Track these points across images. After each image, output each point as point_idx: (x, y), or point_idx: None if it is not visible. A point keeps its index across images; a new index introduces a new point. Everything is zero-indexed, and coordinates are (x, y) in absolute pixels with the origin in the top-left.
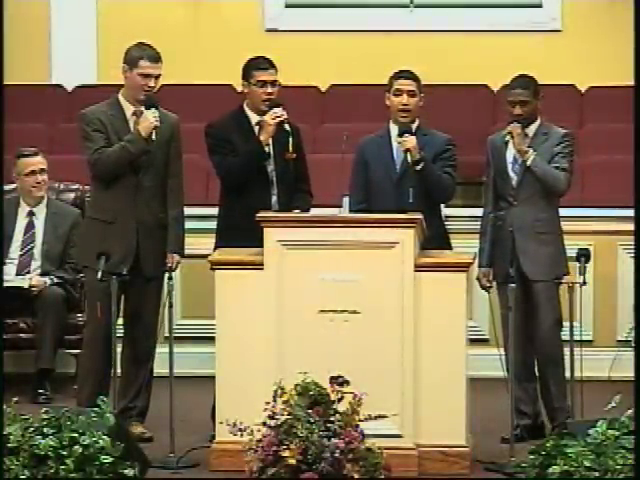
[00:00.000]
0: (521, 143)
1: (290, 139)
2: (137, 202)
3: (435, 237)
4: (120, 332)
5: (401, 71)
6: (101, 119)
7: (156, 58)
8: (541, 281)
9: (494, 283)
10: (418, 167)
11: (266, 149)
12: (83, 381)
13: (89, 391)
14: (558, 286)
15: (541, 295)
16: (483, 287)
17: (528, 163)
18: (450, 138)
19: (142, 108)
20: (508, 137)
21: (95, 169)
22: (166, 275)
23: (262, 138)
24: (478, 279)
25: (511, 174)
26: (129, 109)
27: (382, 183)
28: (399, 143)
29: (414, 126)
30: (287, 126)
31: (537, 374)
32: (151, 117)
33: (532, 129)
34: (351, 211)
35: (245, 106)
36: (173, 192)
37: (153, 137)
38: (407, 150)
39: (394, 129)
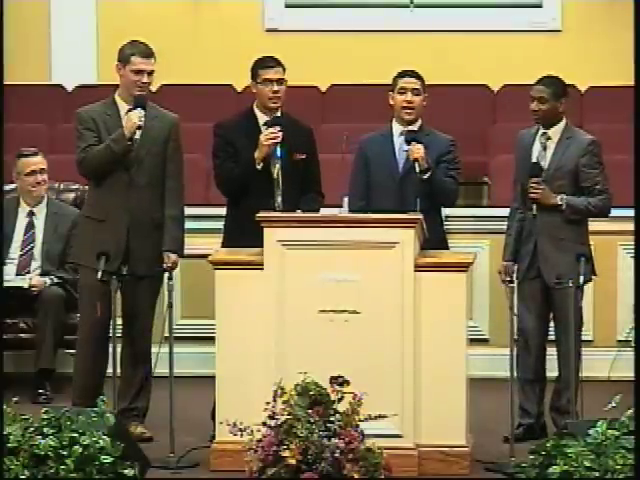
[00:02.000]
0: (549, 198)
1: (278, 148)
2: (129, 200)
3: (436, 240)
4: (119, 332)
5: (405, 70)
6: (94, 118)
7: (148, 54)
8: (556, 286)
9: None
10: (425, 176)
11: (258, 167)
12: (79, 382)
13: (86, 392)
14: (580, 291)
15: (562, 298)
16: (504, 281)
17: (563, 208)
18: (452, 139)
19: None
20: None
21: (80, 167)
22: (166, 275)
23: (256, 156)
24: (500, 272)
25: None
26: (124, 108)
27: (384, 183)
28: (406, 151)
29: (417, 125)
30: (278, 151)
31: (546, 375)
32: (135, 117)
33: (557, 131)
34: (351, 210)
35: (255, 106)
36: (172, 192)
37: (137, 137)
38: (415, 160)
39: (397, 128)
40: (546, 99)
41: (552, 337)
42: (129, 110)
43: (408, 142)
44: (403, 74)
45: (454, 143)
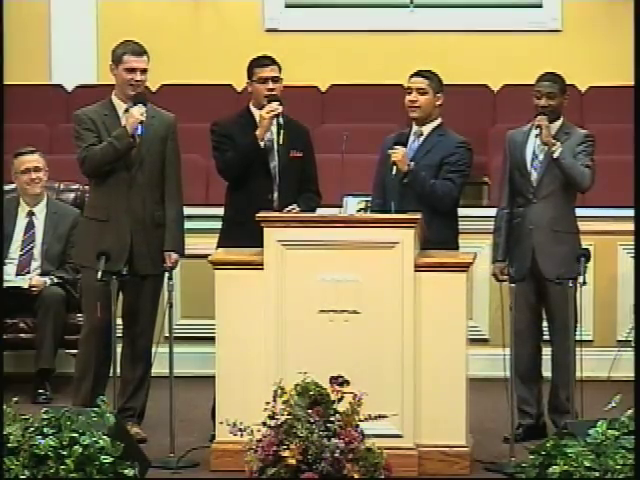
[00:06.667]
0: (549, 135)
1: (282, 131)
2: (131, 199)
3: (438, 241)
4: (120, 332)
5: (416, 71)
6: (92, 118)
7: (139, 52)
8: (554, 280)
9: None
10: (405, 180)
11: (261, 144)
12: (78, 382)
13: (85, 392)
14: (575, 287)
15: (556, 295)
16: (498, 281)
17: (555, 155)
18: (462, 140)
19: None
20: (537, 130)
21: (83, 166)
22: (166, 275)
23: (257, 132)
24: (494, 275)
25: (531, 170)
26: (121, 107)
27: (392, 183)
28: (388, 155)
29: (434, 125)
30: (281, 119)
31: (543, 375)
32: (137, 113)
33: (555, 127)
34: (372, 210)
35: (251, 105)
36: (171, 193)
37: (139, 132)
38: (394, 163)
39: (414, 129)
40: (555, 94)
41: (546, 337)
42: (127, 109)
43: (394, 145)
44: (412, 74)
45: (462, 145)
